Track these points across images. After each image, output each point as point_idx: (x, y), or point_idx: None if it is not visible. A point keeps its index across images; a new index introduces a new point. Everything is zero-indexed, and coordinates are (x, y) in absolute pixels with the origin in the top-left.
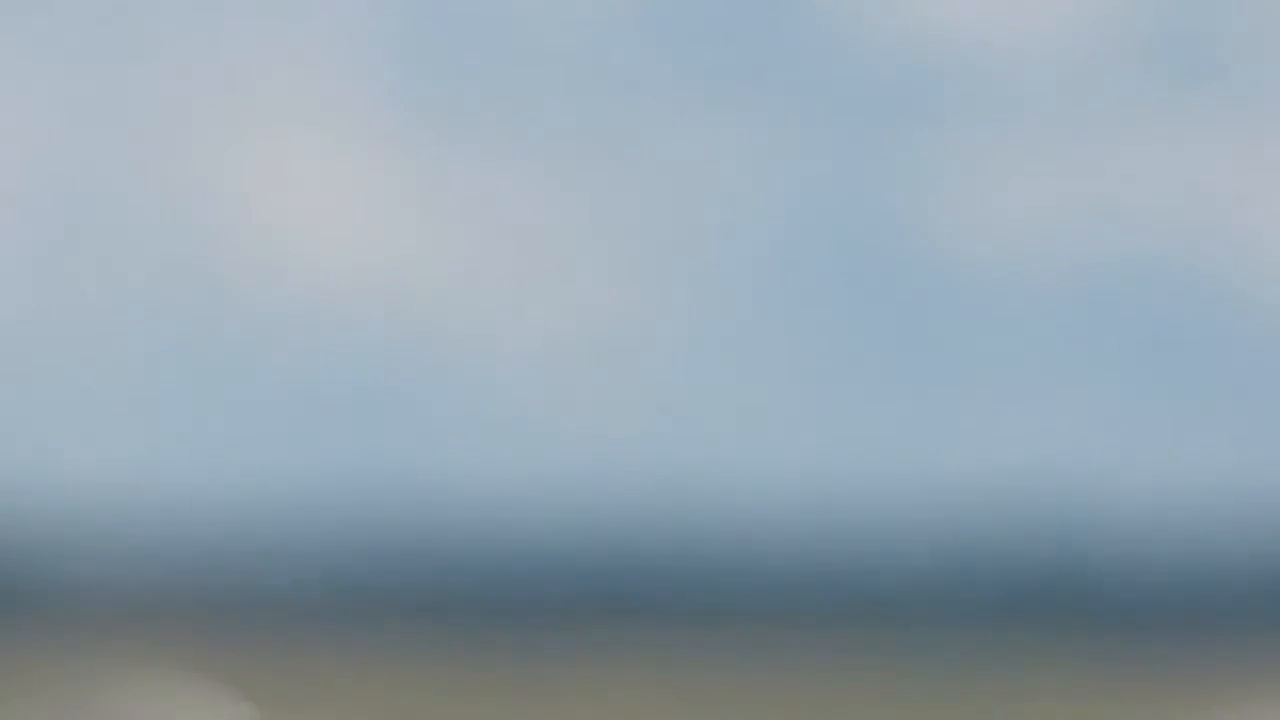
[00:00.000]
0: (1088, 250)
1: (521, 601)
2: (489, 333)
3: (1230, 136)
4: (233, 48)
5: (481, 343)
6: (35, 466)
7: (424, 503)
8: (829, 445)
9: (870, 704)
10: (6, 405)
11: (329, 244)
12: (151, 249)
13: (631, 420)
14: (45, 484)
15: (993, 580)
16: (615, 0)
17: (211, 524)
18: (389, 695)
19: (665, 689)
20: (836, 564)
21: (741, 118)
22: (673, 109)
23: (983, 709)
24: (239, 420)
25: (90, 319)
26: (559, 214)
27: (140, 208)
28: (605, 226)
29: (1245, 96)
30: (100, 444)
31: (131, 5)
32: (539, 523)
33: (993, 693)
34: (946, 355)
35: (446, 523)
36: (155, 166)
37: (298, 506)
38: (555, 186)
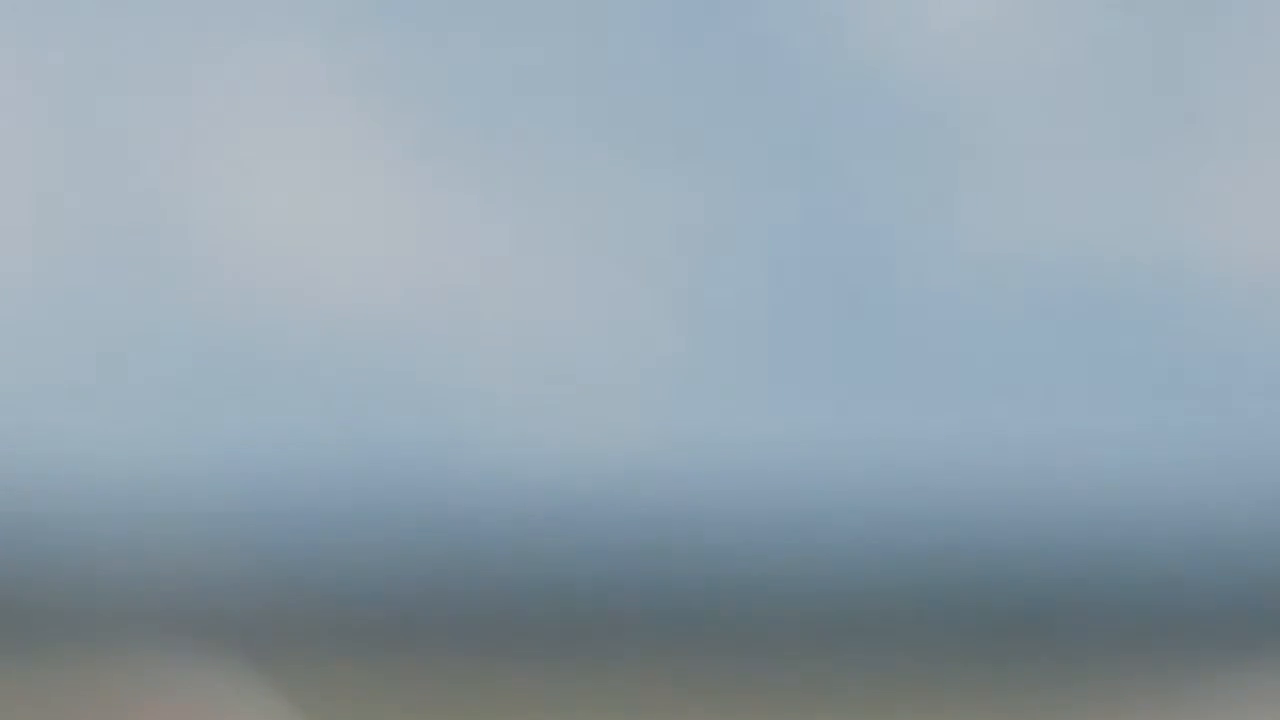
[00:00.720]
0: (1067, 274)
1: (509, 606)
2: (472, 338)
3: (1209, 166)
4: (222, 55)
5: (465, 348)
6: (26, 463)
7: (412, 505)
8: (815, 454)
9: (856, 707)
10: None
11: (315, 249)
12: (137, 251)
13: (615, 429)
14: (39, 479)
15: (981, 587)
16: (602, 12)
17: (198, 524)
18: (378, 697)
19: (653, 689)
20: (823, 570)
21: (726, 134)
22: (657, 122)
23: (971, 713)
24: (222, 423)
25: (80, 316)
26: (546, 223)
27: (123, 207)
28: (590, 238)
29: (1224, 124)
30: (91, 440)
31: (116, 8)
32: (528, 527)
33: (978, 698)
34: (932, 369)
35: (435, 527)
36: (137, 167)
37: (285, 508)
38: (541, 198)
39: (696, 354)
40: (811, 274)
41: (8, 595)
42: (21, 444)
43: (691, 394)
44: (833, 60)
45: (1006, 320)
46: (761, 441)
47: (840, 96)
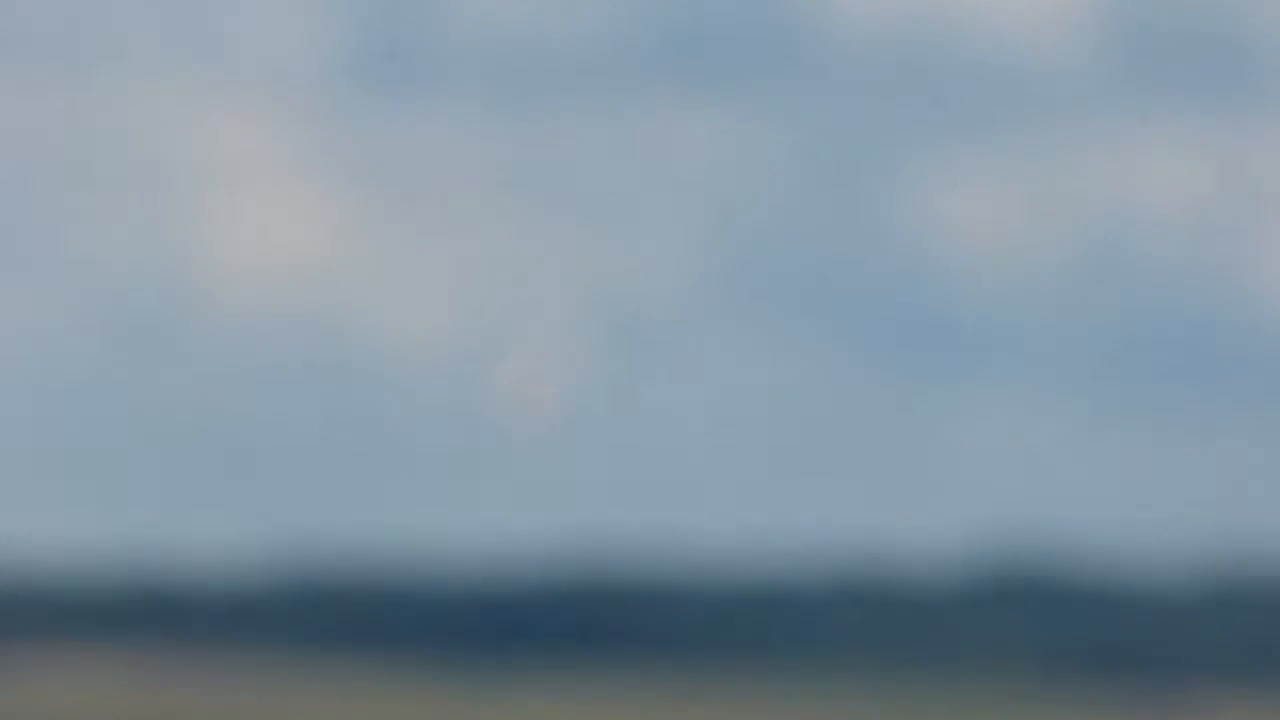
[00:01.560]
0: (1064, 253)
1: (494, 635)
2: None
3: (1213, 149)
4: (193, 49)
5: (443, 362)
6: None
7: (384, 536)
8: (811, 469)
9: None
10: None
11: (294, 270)
12: (103, 264)
13: (612, 448)
14: None
15: (979, 600)
16: None
17: (166, 567)
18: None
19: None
20: (821, 590)
21: (713, 123)
22: (649, 107)
23: None
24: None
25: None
26: (528, 238)
27: (96, 219)
28: (580, 246)
29: (1234, 108)
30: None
31: (83, 7)
32: (515, 560)
33: (975, 708)
34: (929, 374)
35: (410, 556)
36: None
37: (277, 540)
38: (527, 202)
39: (678, 379)
40: (799, 281)
41: None
42: None
43: (674, 421)
44: (841, 51)
45: (993, 324)
46: (752, 471)
47: (844, 90)
